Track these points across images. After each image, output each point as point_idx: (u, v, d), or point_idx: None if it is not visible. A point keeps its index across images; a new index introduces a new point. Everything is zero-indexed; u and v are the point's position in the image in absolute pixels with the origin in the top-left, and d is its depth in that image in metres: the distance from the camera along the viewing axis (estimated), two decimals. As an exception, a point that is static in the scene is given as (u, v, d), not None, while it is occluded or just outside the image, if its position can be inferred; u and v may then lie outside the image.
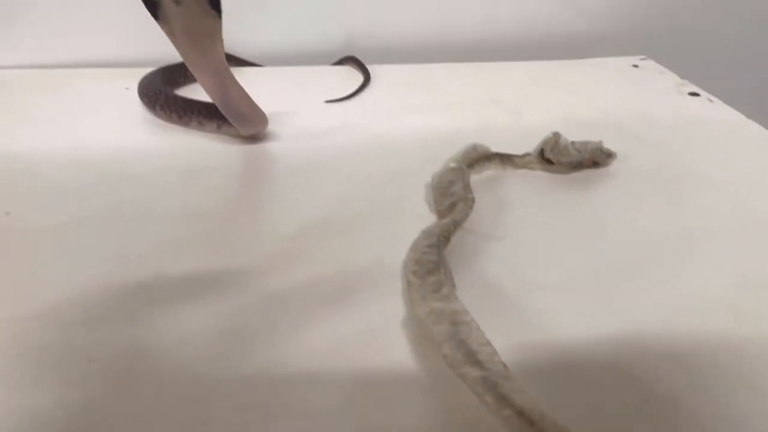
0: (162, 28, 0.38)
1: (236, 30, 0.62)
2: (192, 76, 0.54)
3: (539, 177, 0.42)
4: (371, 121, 0.51)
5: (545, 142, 0.41)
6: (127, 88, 0.56)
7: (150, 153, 0.45)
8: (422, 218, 0.36)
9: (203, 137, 0.47)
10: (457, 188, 0.36)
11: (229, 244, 0.34)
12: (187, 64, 0.40)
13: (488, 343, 0.23)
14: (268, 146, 0.46)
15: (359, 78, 0.61)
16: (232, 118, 0.43)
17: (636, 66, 0.65)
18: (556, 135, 0.41)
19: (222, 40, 0.40)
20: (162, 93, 0.50)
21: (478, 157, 0.41)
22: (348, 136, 0.48)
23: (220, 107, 0.42)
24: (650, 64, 0.65)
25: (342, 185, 0.40)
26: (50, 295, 0.29)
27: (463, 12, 0.68)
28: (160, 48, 0.58)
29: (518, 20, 0.69)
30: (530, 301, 0.29)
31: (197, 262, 0.32)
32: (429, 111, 0.53)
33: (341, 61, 0.66)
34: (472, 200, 0.35)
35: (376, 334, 0.27)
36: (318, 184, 0.41)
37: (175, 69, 0.57)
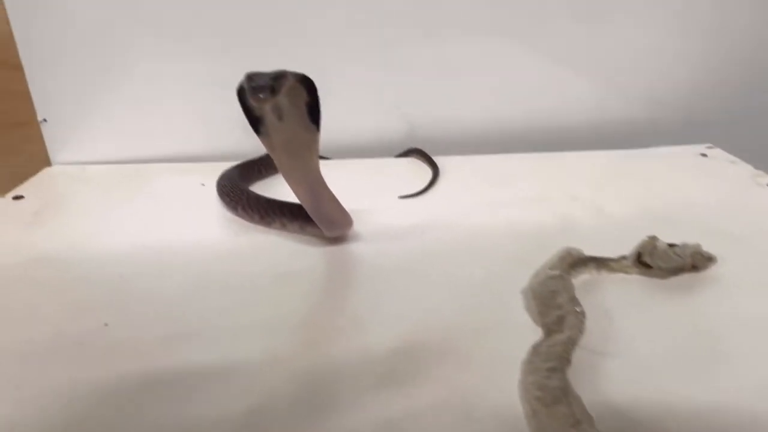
0: (262, 141, 0.39)
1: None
2: (267, 170, 0.59)
3: (637, 282, 0.40)
4: (449, 218, 0.50)
5: (642, 246, 0.40)
6: (203, 185, 0.58)
7: (236, 255, 0.45)
8: (526, 330, 0.35)
9: (286, 238, 0.47)
10: (562, 299, 0.35)
11: (329, 363, 0.33)
12: (282, 172, 0.41)
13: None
14: (352, 248, 0.46)
15: (425, 170, 0.61)
16: (320, 221, 0.43)
17: (704, 155, 0.64)
18: (653, 239, 0.40)
19: (318, 150, 0.41)
20: (244, 194, 0.50)
21: (574, 262, 0.40)
22: (429, 235, 0.47)
23: (309, 211, 0.43)
24: (718, 153, 0.65)
25: (431, 290, 0.40)
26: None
27: (521, 103, 0.69)
28: (230, 143, 0.64)
29: (570, 110, 0.69)
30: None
31: (299, 381, 0.31)
32: (506, 206, 0.52)
33: (406, 153, 0.66)
34: (583, 314, 0.34)
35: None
36: (406, 289, 0.40)
37: (252, 165, 0.58)
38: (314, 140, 0.40)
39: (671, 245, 0.40)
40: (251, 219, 0.49)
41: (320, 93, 0.38)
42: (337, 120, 0.65)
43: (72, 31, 0.60)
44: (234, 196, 0.51)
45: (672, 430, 0.28)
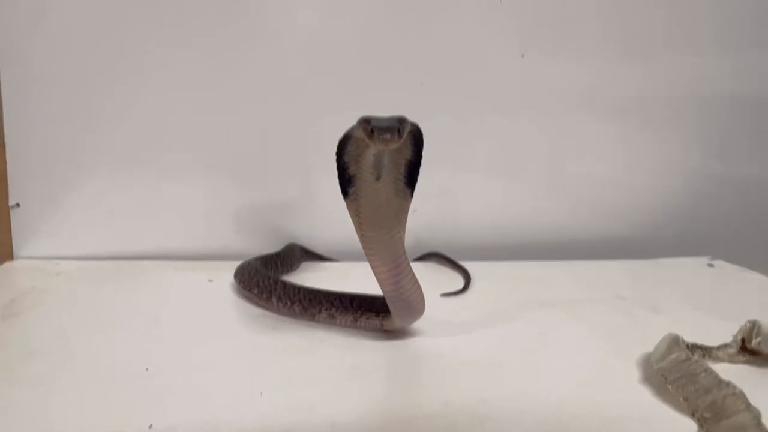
0: (348, 206, 0.36)
1: (298, 225, 0.63)
2: (286, 266, 0.56)
3: (743, 371, 0.37)
4: (505, 314, 0.47)
5: (744, 331, 0.38)
6: (211, 281, 0.53)
7: (286, 350, 0.39)
8: (669, 418, 0.31)
9: (333, 332, 0.42)
10: (707, 382, 0.31)
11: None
12: (364, 244, 0.37)
13: None
14: (417, 342, 0.41)
15: (446, 274, 0.59)
16: (397, 306, 0.39)
17: (711, 265, 0.66)
18: (754, 323, 0.38)
19: (405, 222, 0.37)
20: (279, 282, 0.45)
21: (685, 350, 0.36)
22: (492, 330, 0.44)
23: (388, 293, 0.38)
24: (723, 264, 0.66)
25: (537, 384, 0.35)
26: None
27: (521, 212, 0.69)
28: (229, 242, 0.61)
29: (564, 224, 0.70)
30: None
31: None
32: (561, 304, 0.50)
33: (424, 257, 0.64)
34: (743, 395, 0.30)
35: None
36: (505, 384, 0.35)
37: (270, 260, 0.54)
38: (405, 208, 0.37)
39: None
40: (290, 311, 0.44)
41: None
42: (334, 224, 0.62)
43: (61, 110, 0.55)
44: (265, 285, 0.45)
45: None
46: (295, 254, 0.58)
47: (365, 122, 0.31)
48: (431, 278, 0.57)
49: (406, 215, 0.37)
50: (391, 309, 0.39)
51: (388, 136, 0.30)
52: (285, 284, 0.45)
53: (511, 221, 0.68)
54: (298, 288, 0.44)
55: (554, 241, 0.68)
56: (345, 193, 0.35)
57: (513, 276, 0.59)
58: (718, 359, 0.38)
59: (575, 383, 0.35)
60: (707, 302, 0.52)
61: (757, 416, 0.28)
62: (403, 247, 0.37)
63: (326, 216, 0.63)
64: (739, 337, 0.38)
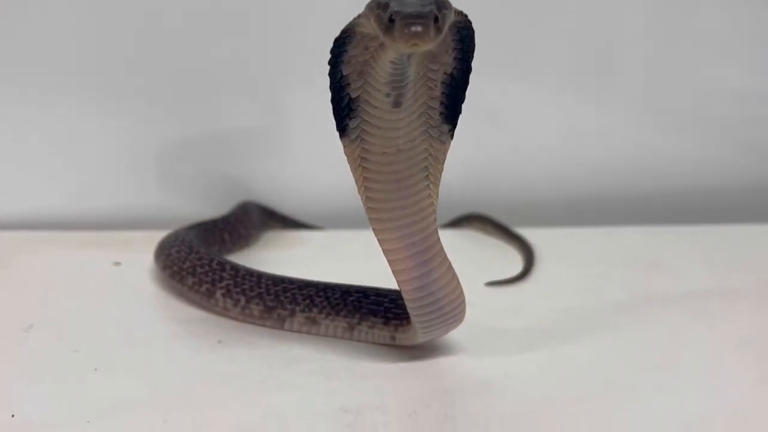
0: (347, 150, 0.36)
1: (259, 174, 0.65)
2: (236, 238, 0.56)
3: None
4: (583, 318, 0.47)
5: None
6: (118, 263, 0.53)
7: (236, 378, 0.38)
8: None
9: (316, 348, 0.41)
10: None
11: None
12: (370, 213, 0.36)
13: None
14: (450, 366, 0.40)
15: (494, 247, 0.60)
16: (422, 313, 0.38)
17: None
18: None
19: (439, 180, 0.37)
20: (227, 267, 0.45)
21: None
22: (581, 342, 0.43)
23: (410, 295, 0.38)
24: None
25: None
26: None
27: (616, 150, 0.69)
28: (145, 202, 0.63)
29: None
30: None
31: None
32: (670, 297, 0.50)
33: (459, 222, 0.65)
34: None
35: None
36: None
37: (211, 230, 0.55)
38: (441, 156, 0.37)
39: None
40: (245, 313, 0.44)
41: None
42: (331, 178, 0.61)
43: None
44: (205, 272, 0.46)
45: None
46: (253, 219, 0.59)
47: (380, 7, 0.31)
48: (470, 256, 0.57)
49: (442, 167, 0.37)
50: (412, 315, 0.38)
51: (419, 28, 0.29)
52: (237, 270, 0.45)
53: (600, 164, 0.68)
54: (258, 276, 0.44)
55: (672, 195, 0.68)
56: (342, 128, 0.35)
57: (602, 250, 0.59)
58: None
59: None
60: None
61: None
62: (435, 221, 0.38)
63: (306, 161, 0.64)
64: None
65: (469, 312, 0.45)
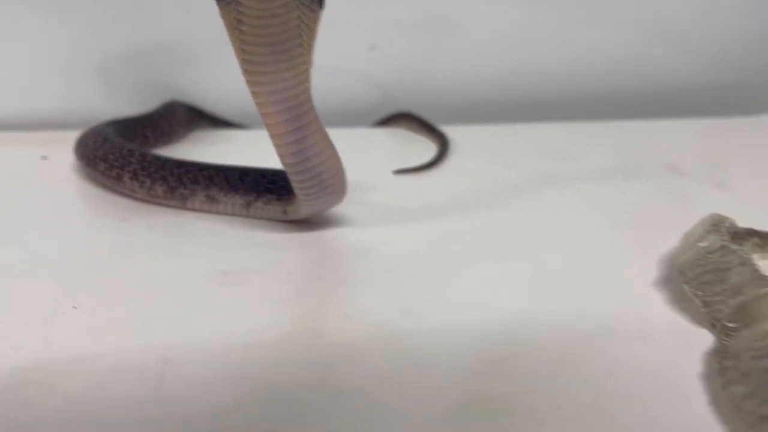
0: (224, 14, 0.36)
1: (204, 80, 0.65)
2: (158, 135, 0.57)
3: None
4: (486, 198, 0.49)
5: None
6: (45, 157, 0.54)
7: (141, 251, 0.40)
8: (681, 333, 0.33)
9: (213, 223, 0.43)
10: (740, 278, 0.32)
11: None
12: (248, 77, 0.37)
13: None
14: (335, 236, 0.43)
15: (418, 142, 0.61)
16: (303, 183, 0.40)
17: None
18: None
19: (311, 51, 0.38)
20: (136, 154, 0.46)
21: (730, 236, 0.37)
22: (460, 217, 0.45)
23: (288, 161, 0.39)
24: None
25: (509, 290, 0.37)
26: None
27: (542, 50, 0.70)
28: (72, 102, 0.63)
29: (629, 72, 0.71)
30: None
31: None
32: (572, 180, 0.51)
33: (386, 121, 0.66)
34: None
35: None
36: (456, 286, 0.37)
37: (132, 126, 0.55)
38: (312, 27, 0.37)
39: None
40: (151, 194, 0.46)
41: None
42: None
43: None
44: (115, 158, 0.47)
45: None
46: (178, 117, 0.59)
47: None
48: (394, 150, 0.60)
49: (314, 36, 0.38)
50: (293, 184, 0.40)
51: None
52: (144, 156, 0.46)
53: (528, 64, 0.69)
54: (163, 161, 0.46)
55: (592, 94, 0.69)
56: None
57: (515, 143, 0.60)
58: (786, 251, 0.38)
59: (553, 290, 0.37)
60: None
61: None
62: (309, 89, 0.38)
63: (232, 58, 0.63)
64: (823, 217, 0.38)
65: (369, 195, 0.48)
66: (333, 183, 0.40)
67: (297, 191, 0.40)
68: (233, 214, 0.44)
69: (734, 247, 0.35)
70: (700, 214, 0.40)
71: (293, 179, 0.40)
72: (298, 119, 0.38)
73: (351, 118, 0.66)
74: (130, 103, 0.62)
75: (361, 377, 0.29)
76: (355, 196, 0.46)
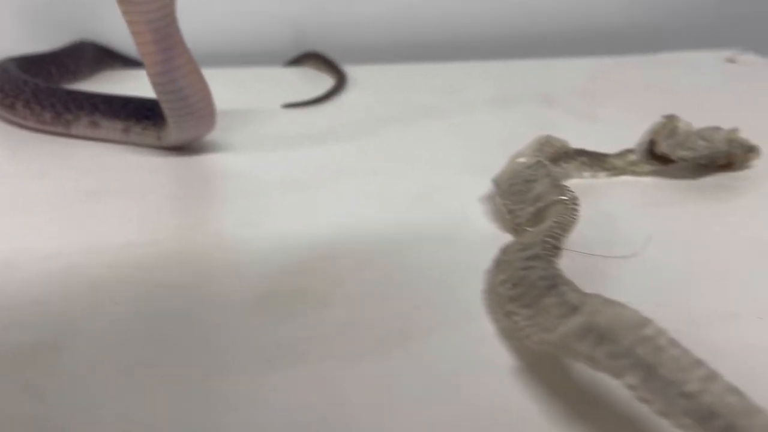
0: None
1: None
2: (63, 73, 0.58)
3: (649, 186, 0.41)
4: (367, 128, 0.52)
5: (656, 130, 0.41)
6: None
7: (24, 174, 0.43)
8: (486, 238, 0.35)
9: (93, 148, 0.46)
10: (542, 188, 0.35)
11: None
12: (120, 2, 0.38)
13: (699, 363, 0.21)
14: (214, 158, 0.45)
15: (326, 81, 0.62)
16: (173, 108, 0.42)
17: (732, 62, 0.68)
18: (672, 119, 0.41)
19: None
20: (29, 85, 0.48)
21: (556, 155, 0.40)
22: (335, 146, 0.48)
23: (157, 82, 0.41)
24: (750, 59, 0.68)
25: (352, 206, 0.40)
26: None
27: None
28: None
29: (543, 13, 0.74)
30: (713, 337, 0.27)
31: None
32: (451, 112, 0.54)
33: (297, 61, 0.68)
34: (574, 200, 0.34)
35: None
36: (310, 204, 0.40)
37: (38, 63, 0.56)
38: None
39: (699, 130, 0.41)
40: (39, 120, 0.48)
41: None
42: (198, 18, 0.64)
43: None
44: (10, 89, 0.49)
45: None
46: (86, 56, 0.61)
47: None
48: (297, 87, 0.62)
49: None
50: (164, 108, 0.42)
51: None
52: (38, 86, 0.49)
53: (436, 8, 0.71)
54: (54, 89, 0.47)
55: (502, 34, 0.72)
56: None
57: (409, 81, 0.63)
58: (615, 169, 0.42)
59: (389, 204, 0.40)
60: (681, 109, 0.54)
61: (562, 223, 0.31)
62: (174, 14, 0.40)
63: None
64: (648, 139, 0.41)
65: (254, 126, 0.51)
66: (200, 107, 0.43)
67: (166, 114, 0.42)
68: (114, 140, 0.46)
69: (548, 163, 0.38)
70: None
71: (162, 100, 0.42)
72: (165, 40, 0.40)
73: (265, 58, 0.68)
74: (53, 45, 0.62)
75: (191, 276, 0.32)
76: (240, 127, 0.50)
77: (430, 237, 0.36)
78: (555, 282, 0.27)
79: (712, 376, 0.21)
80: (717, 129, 0.42)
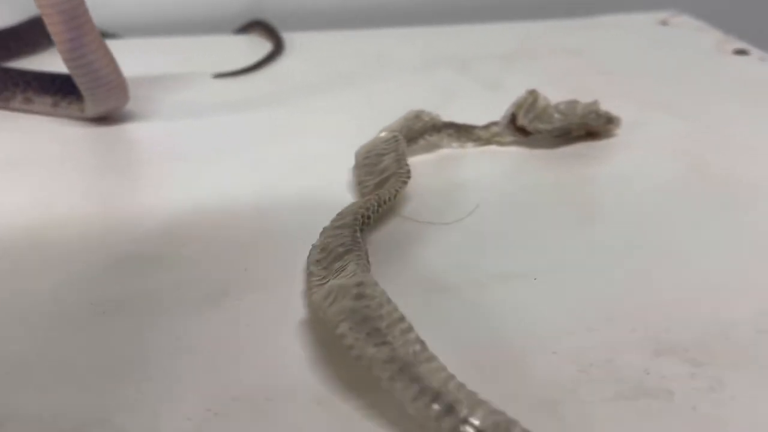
0: None
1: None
2: (20, 46, 0.62)
3: (513, 155, 0.45)
4: (288, 96, 0.55)
5: (518, 104, 0.45)
6: None
7: None
8: (339, 207, 0.38)
9: (24, 121, 0.51)
10: (388, 161, 0.39)
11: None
12: None
13: (402, 319, 0.25)
14: (128, 128, 0.50)
15: (267, 49, 0.65)
16: (85, 82, 0.46)
17: (665, 24, 0.70)
18: (533, 93, 0.45)
19: None
20: None
21: (423, 128, 0.44)
22: (247, 115, 0.52)
23: (67, 57, 0.45)
24: (684, 21, 0.70)
25: (237, 174, 0.44)
26: None
27: None
28: None
29: None
30: (487, 296, 0.32)
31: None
32: (364, 82, 0.57)
33: (245, 29, 0.71)
34: (407, 174, 0.38)
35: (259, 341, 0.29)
36: (198, 173, 0.44)
37: None
38: None
39: (558, 104, 0.45)
40: None
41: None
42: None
43: None
44: None
45: (496, 294, 0.32)
46: (44, 29, 0.61)
47: None
48: (241, 55, 0.64)
49: None
50: (78, 83, 0.46)
51: None
52: None
53: None
54: None
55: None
56: None
57: (342, 48, 0.66)
58: (480, 140, 0.45)
59: (269, 173, 0.44)
60: (591, 72, 0.58)
61: (382, 196, 0.36)
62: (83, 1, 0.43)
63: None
64: (510, 112, 0.45)
65: (180, 95, 0.55)
66: (109, 80, 0.47)
67: (81, 88, 0.46)
68: (46, 114, 0.50)
69: (402, 138, 0.42)
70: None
71: (74, 75, 0.46)
72: (72, 20, 0.43)
73: (218, 26, 0.72)
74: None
75: (67, 237, 0.37)
76: (166, 96, 0.54)
77: (293, 205, 0.40)
78: (350, 249, 0.31)
79: (409, 329, 0.25)
80: (575, 102, 0.45)
